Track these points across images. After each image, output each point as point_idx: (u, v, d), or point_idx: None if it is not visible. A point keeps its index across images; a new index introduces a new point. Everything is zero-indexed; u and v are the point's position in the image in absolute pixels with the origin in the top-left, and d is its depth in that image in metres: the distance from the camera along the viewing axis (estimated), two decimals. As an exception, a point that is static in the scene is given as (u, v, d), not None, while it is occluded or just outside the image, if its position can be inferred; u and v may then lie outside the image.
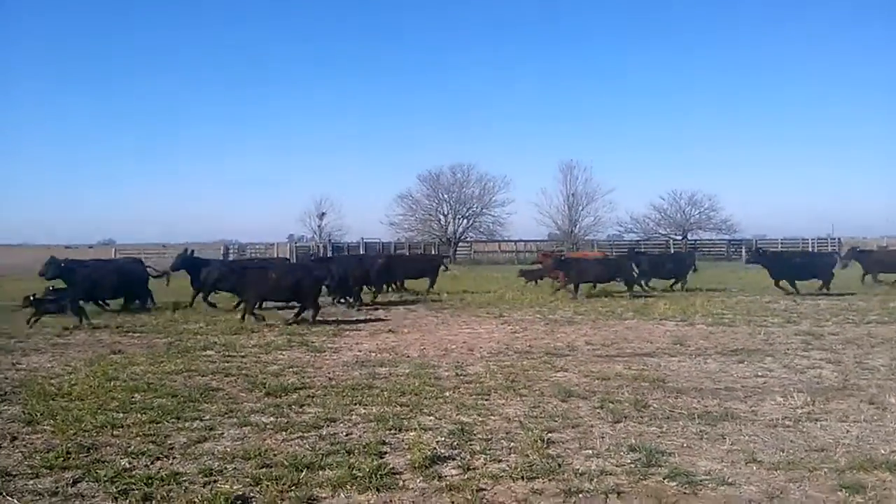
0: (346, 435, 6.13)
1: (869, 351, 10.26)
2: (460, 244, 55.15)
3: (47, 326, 13.57)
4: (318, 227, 60.32)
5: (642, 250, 27.47)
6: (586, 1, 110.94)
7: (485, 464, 5.32)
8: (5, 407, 7.19)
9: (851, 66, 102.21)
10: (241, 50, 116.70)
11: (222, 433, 6.22)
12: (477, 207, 55.39)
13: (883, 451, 5.49)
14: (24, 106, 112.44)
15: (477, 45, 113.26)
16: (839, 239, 57.98)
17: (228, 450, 5.71)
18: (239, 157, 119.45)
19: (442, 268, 23.12)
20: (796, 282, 19.72)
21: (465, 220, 55.43)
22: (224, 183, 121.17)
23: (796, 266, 20.57)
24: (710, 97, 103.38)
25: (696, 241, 56.16)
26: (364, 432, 6.21)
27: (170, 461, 5.47)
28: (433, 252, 24.91)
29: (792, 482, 4.88)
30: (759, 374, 8.80)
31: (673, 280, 22.07)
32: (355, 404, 7.22)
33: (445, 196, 55.49)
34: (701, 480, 4.92)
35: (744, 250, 52.47)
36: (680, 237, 55.71)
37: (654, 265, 22.56)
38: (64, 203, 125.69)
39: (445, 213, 55.55)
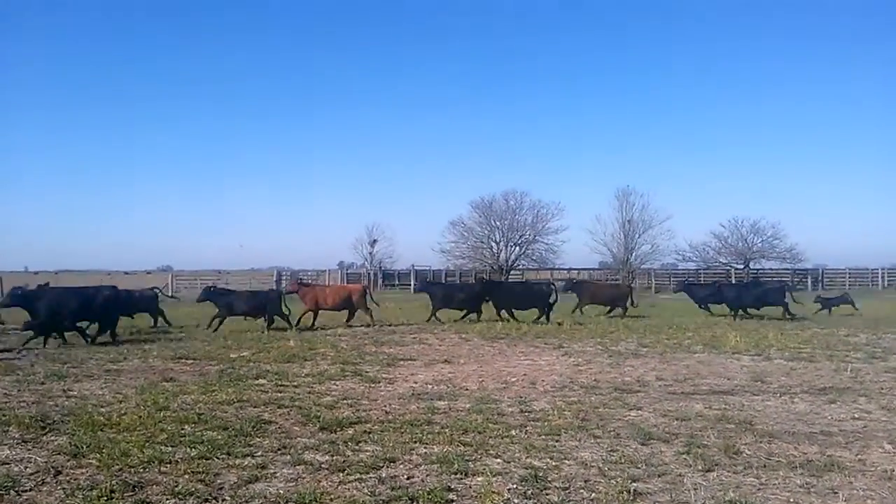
0: (408, 478, 5.61)
1: (976, 392, 9.28)
2: (512, 272, 54.36)
3: (101, 352, 13.51)
4: (370, 254, 60.38)
5: (437, 281, 28.14)
6: (643, 28, 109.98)
7: (565, 518, 4.72)
8: (52, 437, 6.90)
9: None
10: (292, 76, 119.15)
11: (275, 472, 5.77)
12: (530, 235, 54.42)
13: None
14: (80, 135, 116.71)
15: (530, 70, 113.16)
16: (913, 269, 55.29)
17: (281, 492, 5.25)
18: (293, 186, 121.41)
19: (161, 297, 20.07)
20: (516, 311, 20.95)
21: (518, 248, 54.55)
22: (280, 212, 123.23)
23: (517, 295, 22.20)
24: (774, 124, 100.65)
25: (758, 270, 54.14)
26: (427, 475, 5.68)
27: (219, 504, 5.04)
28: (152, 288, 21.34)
29: (932, 552, 4.16)
30: (856, 416, 7.97)
31: (464, 312, 21.37)
32: (415, 442, 6.70)
33: (498, 223, 54.70)
34: (822, 547, 4.24)
35: (809, 280, 50.60)
36: (741, 266, 53.75)
37: (446, 296, 22.10)
38: (122, 230, 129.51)
39: (497, 240, 54.75)
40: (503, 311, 20.96)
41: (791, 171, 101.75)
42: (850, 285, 50.61)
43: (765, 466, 5.93)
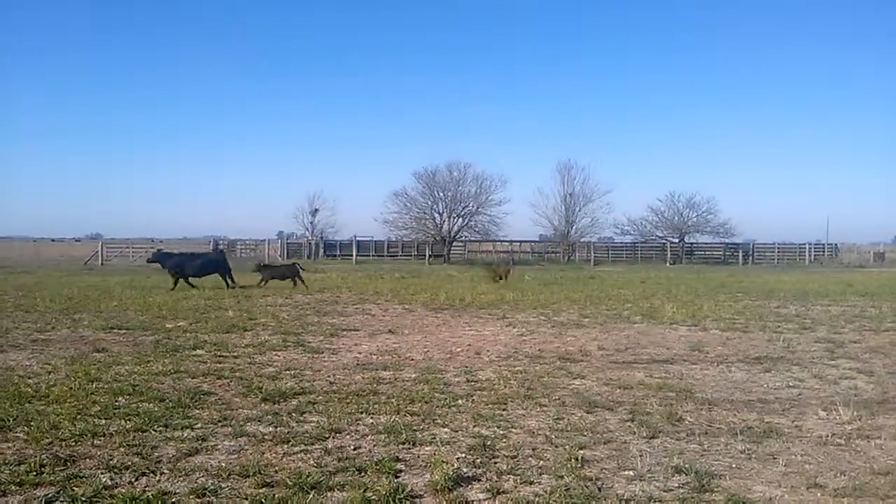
0: (355, 449, 5.50)
1: (898, 361, 9.73)
2: (455, 243, 54.47)
3: (27, 321, 12.88)
4: (311, 223, 59.45)
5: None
6: (586, 1, 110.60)
7: (515, 486, 4.69)
8: (-25, 410, 6.51)
9: (851, 71, 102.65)
10: (234, 47, 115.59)
11: (216, 444, 5.57)
12: (473, 206, 54.60)
13: (959, 477, 4.92)
14: (12, 99, 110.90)
15: (475, 42, 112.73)
16: (836, 245, 57.94)
17: (223, 465, 5.07)
18: (232, 153, 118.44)
19: None
20: None
21: (461, 219, 54.67)
22: (216, 179, 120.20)
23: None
24: (709, 99, 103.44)
25: (692, 244, 55.76)
26: (374, 446, 5.58)
27: (157, 477, 4.82)
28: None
29: (867, 513, 4.30)
30: (791, 384, 8.23)
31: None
32: (361, 413, 6.59)
33: (441, 194, 54.66)
34: (765, 510, 4.33)
35: (741, 254, 52.39)
36: (677, 240, 55.25)
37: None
38: (49, 197, 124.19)
39: (441, 211, 54.78)
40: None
41: (725, 147, 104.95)
42: (778, 260, 52.75)
43: (706, 433, 6.05)
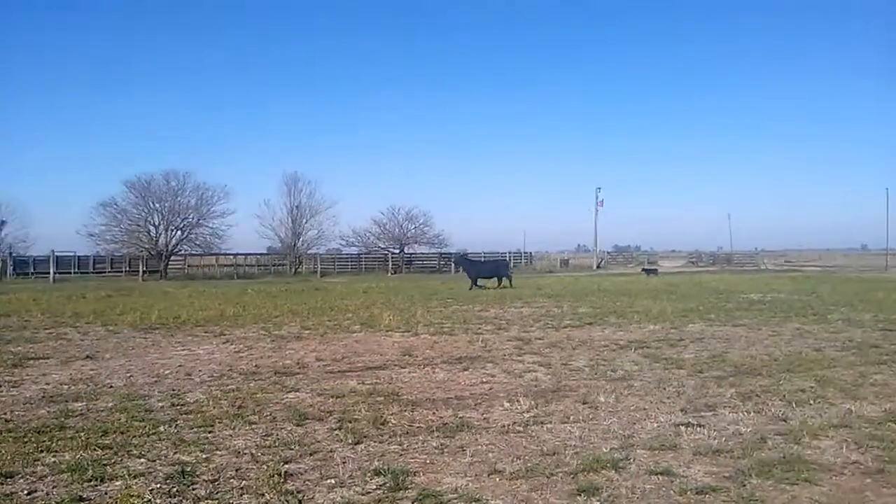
0: (28, 493, 4.89)
1: (571, 353, 11.26)
2: (173, 257, 51.03)
3: None
4: (-3, 238, 51.57)
5: None
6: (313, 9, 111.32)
7: (213, 511, 4.57)
8: None
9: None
10: None
11: None
12: (193, 218, 51.66)
13: (605, 450, 5.84)
14: None
15: (197, 50, 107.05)
16: (531, 253, 65.41)
17: None
18: None
19: None
20: None
21: (180, 232, 51.37)
22: None
23: None
24: (430, 114, 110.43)
25: (412, 254, 58.93)
26: (53, 487, 5.02)
27: None
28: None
29: (534, 491, 4.92)
30: (484, 380, 9.10)
31: None
32: (41, 451, 5.88)
33: (157, 205, 50.88)
34: (450, 500, 4.74)
35: (453, 263, 56.66)
36: (397, 250, 57.98)
37: None
38: None
39: (156, 223, 50.93)
40: None
41: (441, 164, 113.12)
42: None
43: (407, 433, 6.44)
